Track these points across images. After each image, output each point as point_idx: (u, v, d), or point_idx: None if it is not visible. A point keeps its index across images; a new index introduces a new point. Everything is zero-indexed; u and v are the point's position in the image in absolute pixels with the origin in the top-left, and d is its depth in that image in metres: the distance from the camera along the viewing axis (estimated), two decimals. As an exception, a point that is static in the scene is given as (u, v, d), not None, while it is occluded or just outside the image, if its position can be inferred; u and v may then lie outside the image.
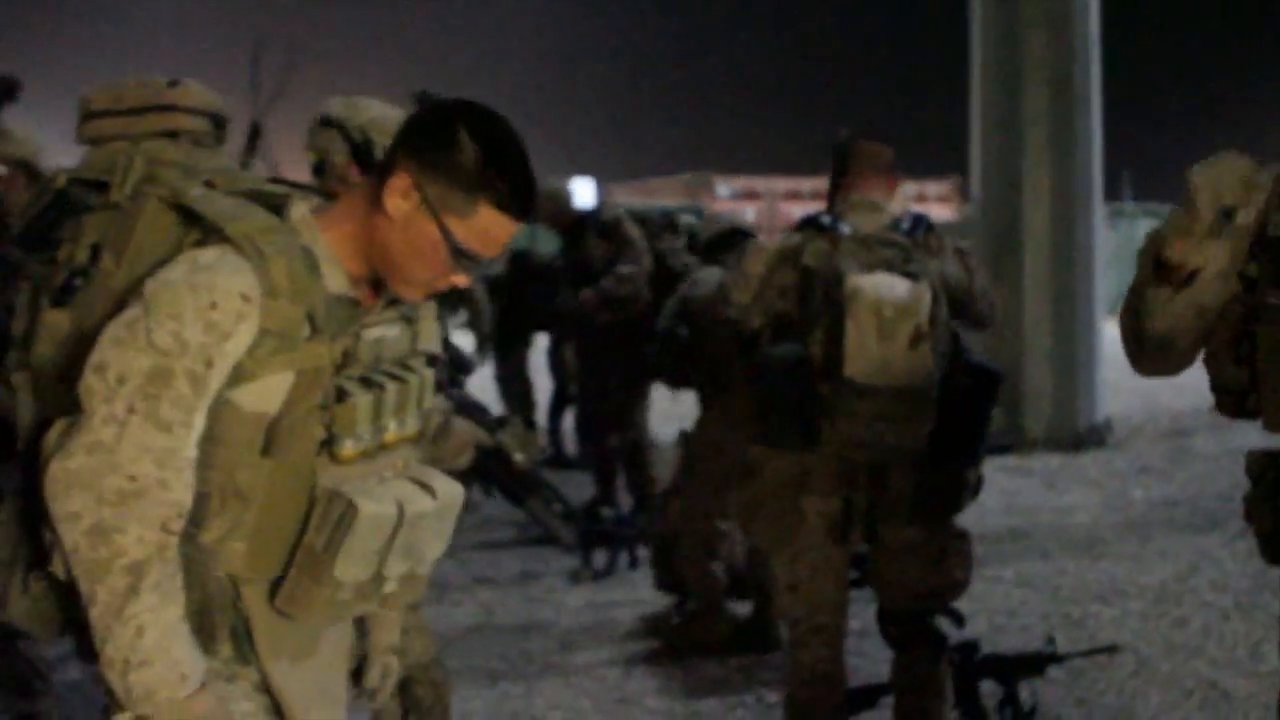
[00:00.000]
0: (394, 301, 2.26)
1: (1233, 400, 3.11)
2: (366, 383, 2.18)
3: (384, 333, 2.24)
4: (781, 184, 56.45)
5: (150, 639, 2.03)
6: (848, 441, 3.93)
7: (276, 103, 6.12)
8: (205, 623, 2.13)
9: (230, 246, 2.08)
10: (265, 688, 2.20)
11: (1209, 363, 3.23)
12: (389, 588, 2.26)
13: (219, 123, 2.49)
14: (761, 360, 4.04)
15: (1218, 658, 5.47)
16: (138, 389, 2.03)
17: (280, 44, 6.39)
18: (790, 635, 4.23)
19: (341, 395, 2.15)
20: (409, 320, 2.30)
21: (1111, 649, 5.22)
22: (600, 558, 6.96)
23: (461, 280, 2.19)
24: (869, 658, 5.35)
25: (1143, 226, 26.74)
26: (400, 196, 2.13)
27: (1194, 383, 3.49)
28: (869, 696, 4.65)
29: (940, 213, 30.83)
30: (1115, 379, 10.17)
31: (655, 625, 6.05)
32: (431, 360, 2.32)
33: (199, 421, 2.07)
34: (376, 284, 2.23)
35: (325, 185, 3.49)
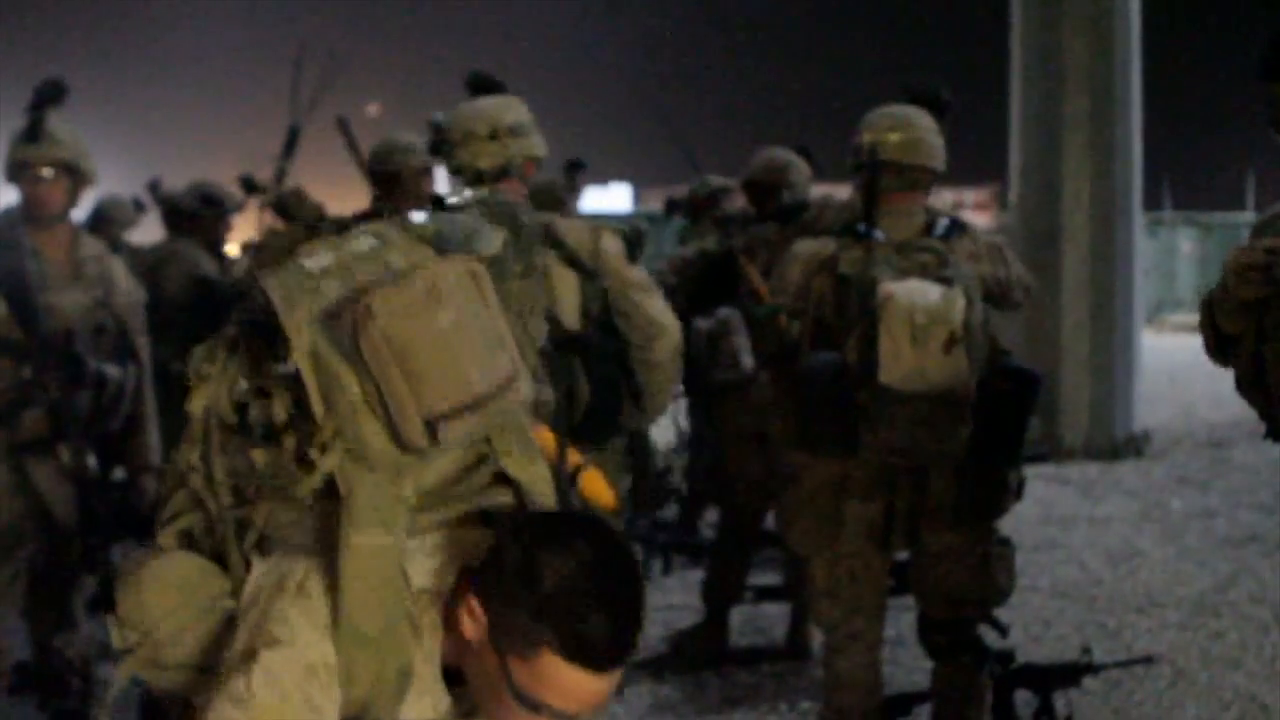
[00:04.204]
0: None
1: (1271, 424, 3.13)
2: None
3: None
4: (817, 190, 56.37)
5: None
6: (886, 448, 3.93)
7: (315, 108, 6.16)
8: None
9: None
10: None
11: (1239, 389, 3.24)
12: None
13: None
14: (801, 368, 4.04)
15: (1256, 670, 5.42)
16: None
17: (321, 50, 6.43)
18: (827, 641, 4.22)
19: None
20: None
21: (1148, 660, 5.18)
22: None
23: None
24: (903, 666, 5.33)
25: (1182, 235, 26.60)
26: (469, 617, 1.97)
27: (1232, 393, 3.46)
28: (905, 705, 4.63)
29: (978, 220, 30.74)
30: (1154, 389, 10.13)
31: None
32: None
33: None
34: None
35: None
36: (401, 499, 2.02)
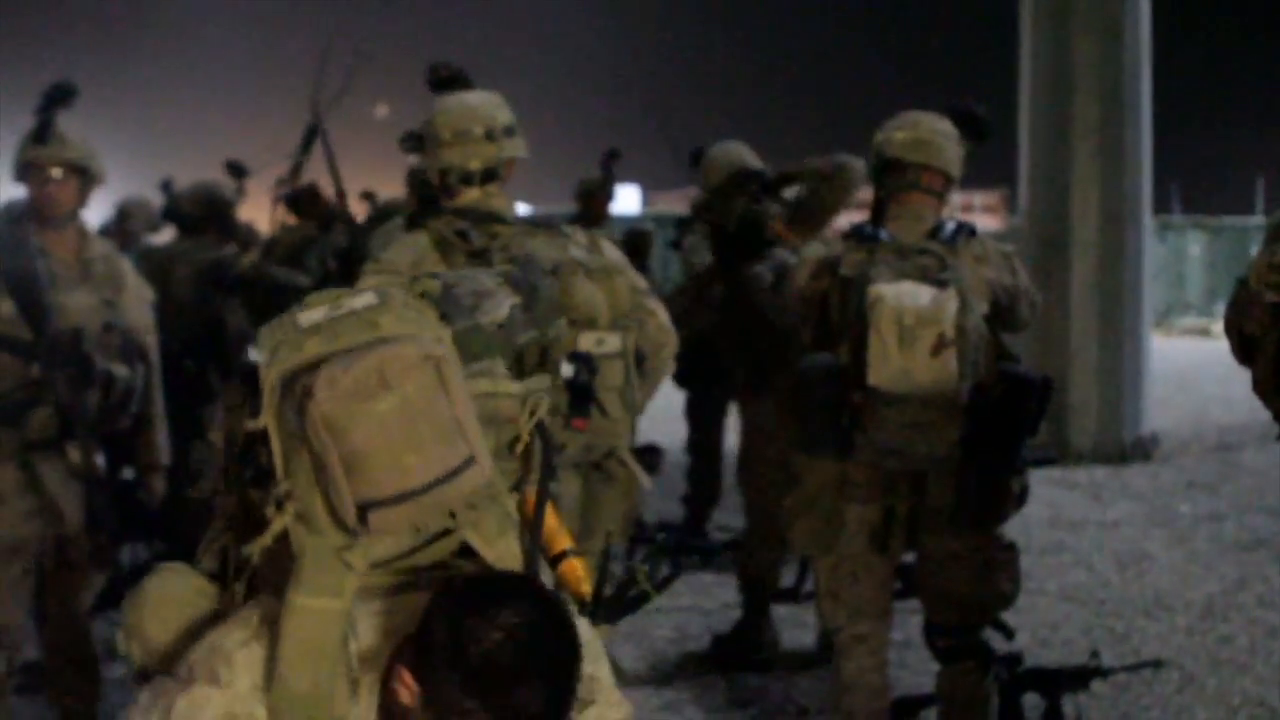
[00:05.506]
0: None
1: None
2: None
3: None
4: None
5: None
6: (878, 449, 3.93)
7: (336, 104, 6.18)
8: None
9: None
10: None
11: (1259, 394, 3.23)
12: None
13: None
14: (798, 369, 4.05)
15: (1264, 674, 5.41)
16: None
17: (344, 47, 6.43)
18: (835, 644, 4.22)
19: None
20: None
21: (1156, 664, 5.18)
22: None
23: None
24: (911, 669, 5.33)
25: (1191, 239, 26.57)
26: (403, 686, 1.97)
27: (1242, 397, 3.45)
28: (912, 708, 4.63)
29: (987, 223, 30.72)
30: (1162, 392, 10.11)
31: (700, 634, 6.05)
32: None
33: None
34: None
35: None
36: (351, 566, 2.01)
